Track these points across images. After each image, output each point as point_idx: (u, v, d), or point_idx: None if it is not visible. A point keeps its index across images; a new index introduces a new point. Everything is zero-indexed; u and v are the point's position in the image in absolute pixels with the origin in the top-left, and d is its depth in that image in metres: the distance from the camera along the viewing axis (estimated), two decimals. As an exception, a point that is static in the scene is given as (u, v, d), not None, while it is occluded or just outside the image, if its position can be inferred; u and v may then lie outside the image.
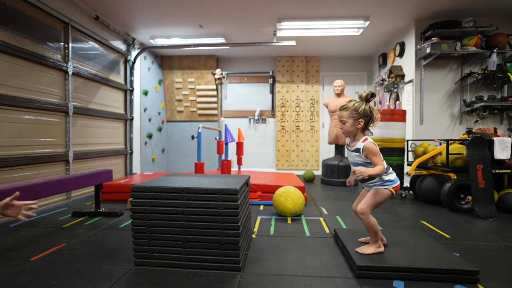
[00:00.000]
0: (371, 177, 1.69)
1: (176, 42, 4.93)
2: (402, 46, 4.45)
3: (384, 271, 1.54)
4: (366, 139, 1.69)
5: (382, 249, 1.73)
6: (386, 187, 1.70)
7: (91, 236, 2.21)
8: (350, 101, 1.73)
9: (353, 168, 1.74)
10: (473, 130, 3.43)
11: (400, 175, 3.70)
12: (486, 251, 1.96)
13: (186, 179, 1.91)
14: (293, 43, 4.71)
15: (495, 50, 3.70)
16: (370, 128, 1.74)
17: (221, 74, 4.80)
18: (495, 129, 3.30)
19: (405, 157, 3.84)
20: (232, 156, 5.39)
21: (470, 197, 2.95)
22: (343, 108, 1.73)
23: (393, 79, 4.53)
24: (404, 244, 1.86)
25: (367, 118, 1.69)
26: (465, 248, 1.98)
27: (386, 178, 1.71)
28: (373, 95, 1.71)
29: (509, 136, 3.08)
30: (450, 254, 1.71)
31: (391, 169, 1.75)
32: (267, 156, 6.13)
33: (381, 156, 1.68)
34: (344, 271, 1.63)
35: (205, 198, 1.62)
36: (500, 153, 2.93)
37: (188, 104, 6.00)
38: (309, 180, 4.98)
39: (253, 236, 2.21)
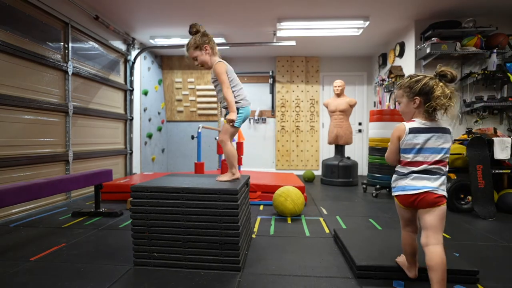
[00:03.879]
0: None
1: (176, 42, 4.93)
2: (402, 46, 4.45)
3: (384, 271, 1.54)
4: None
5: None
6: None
7: (91, 236, 2.21)
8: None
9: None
10: (473, 130, 3.43)
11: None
12: (486, 251, 1.96)
13: (186, 179, 1.91)
14: (293, 43, 4.71)
15: (495, 50, 3.70)
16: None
17: (221, 74, 4.80)
18: (495, 129, 3.30)
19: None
20: (232, 156, 5.38)
21: (470, 197, 2.95)
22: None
23: (393, 79, 4.53)
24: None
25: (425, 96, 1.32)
26: (465, 248, 1.98)
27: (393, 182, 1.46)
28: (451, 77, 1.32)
29: (509, 136, 3.08)
30: (450, 255, 1.71)
31: (400, 172, 1.42)
32: (267, 156, 6.13)
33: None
34: (344, 271, 1.63)
35: (205, 198, 1.62)
36: (500, 153, 2.93)
37: (188, 104, 6.00)
38: (309, 180, 4.98)
39: (253, 236, 2.21)
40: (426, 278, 1.51)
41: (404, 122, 1.37)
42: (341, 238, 1.95)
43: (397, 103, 1.55)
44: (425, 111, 1.33)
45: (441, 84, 1.29)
